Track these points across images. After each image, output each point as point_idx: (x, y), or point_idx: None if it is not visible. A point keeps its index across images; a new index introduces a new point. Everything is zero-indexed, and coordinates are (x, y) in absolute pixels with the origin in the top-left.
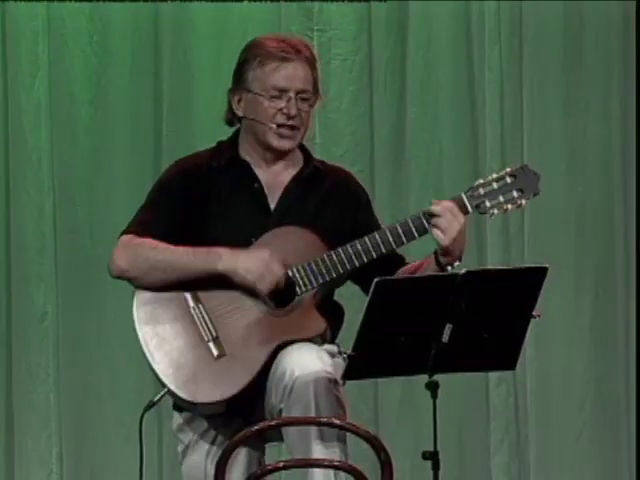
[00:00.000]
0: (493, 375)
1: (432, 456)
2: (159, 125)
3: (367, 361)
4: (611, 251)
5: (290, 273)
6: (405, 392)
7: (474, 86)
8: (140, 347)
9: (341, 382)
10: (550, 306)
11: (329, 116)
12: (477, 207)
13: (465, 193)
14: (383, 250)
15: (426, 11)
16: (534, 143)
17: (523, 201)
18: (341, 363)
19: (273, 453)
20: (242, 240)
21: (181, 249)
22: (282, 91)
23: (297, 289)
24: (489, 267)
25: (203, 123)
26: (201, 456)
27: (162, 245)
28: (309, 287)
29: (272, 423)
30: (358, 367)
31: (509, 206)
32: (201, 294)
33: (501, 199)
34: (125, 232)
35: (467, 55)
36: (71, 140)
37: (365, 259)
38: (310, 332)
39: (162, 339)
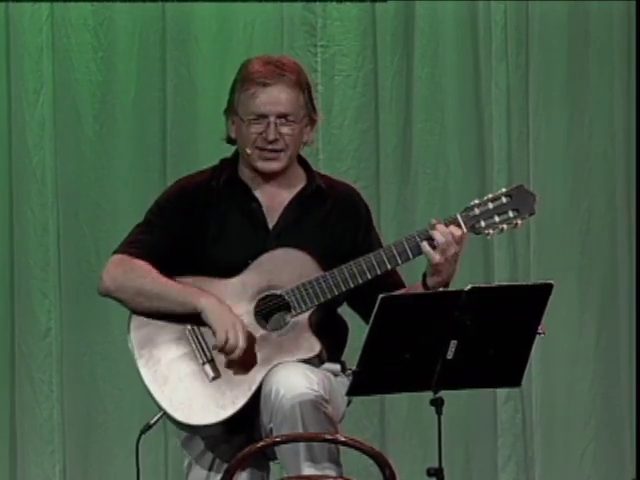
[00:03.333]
0: (501, 391)
1: (437, 472)
2: (164, 141)
3: (372, 377)
4: (616, 268)
5: (285, 295)
6: (412, 408)
7: (481, 102)
8: (137, 369)
9: (345, 399)
10: (555, 323)
11: (333, 132)
12: (472, 227)
13: (460, 213)
14: (378, 271)
15: (432, 27)
16: (540, 159)
17: (519, 221)
18: (345, 382)
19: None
20: (241, 259)
21: (170, 282)
22: (261, 116)
23: (292, 310)
24: (494, 283)
25: (207, 139)
26: (204, 471)
27: (152, 274)
28: (303, 308)
29: (277, 440)
30: (363, 383)
31: (505, 226)
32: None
33: (496, 219)
34: (118, 251)
35: (474, 71)
36: (75, 156)
37: (360, 280)
38: (304, 353)
39: (157, 362)
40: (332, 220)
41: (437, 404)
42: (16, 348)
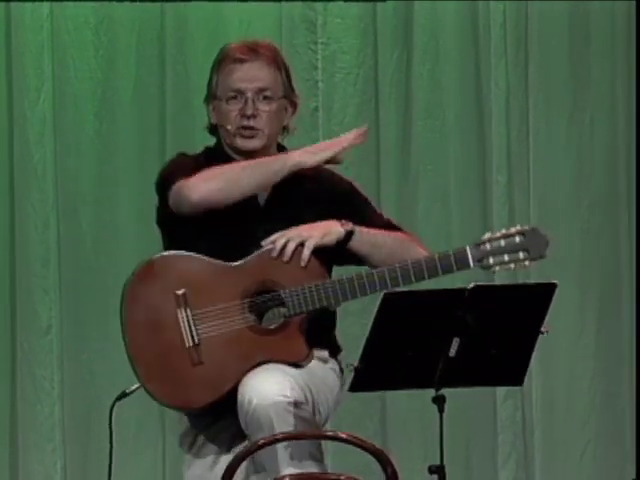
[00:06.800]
0: (500, 389)
1: (438, 470)
2: (163, 138)
3: (374, 374)
4: (616, 266)
5: (283, 294)
6: (413, 406)
7: (481, 99)
8: (121, 322)
9: (338, 383)
10: (555, 321)
11: (333, 129)
12: (479, 261)
13: (470, 246)
14: (377, 289)
15: (432, 24)
16: (540, 157)
17: (527, 262)
18: (335, 368)
19: None
20: (234, 237)
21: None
22: (238, 92)
23: (286, 310)
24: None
25: (205, 136)
26: (205, 467)
27: (227, 165)
28: (298, 311)
29: (278, 437)
30: (365, 379)
31: (512, 265)
32: (192, 298)
33: (506, 258)
34: (177, 180)
35: (474, 69)
36: (76, 153)
37: (359, 295)
38: (291, 357)
39: (145, 326)
40: (314, 203)
41: (439, 402)
42: (17, 345)
